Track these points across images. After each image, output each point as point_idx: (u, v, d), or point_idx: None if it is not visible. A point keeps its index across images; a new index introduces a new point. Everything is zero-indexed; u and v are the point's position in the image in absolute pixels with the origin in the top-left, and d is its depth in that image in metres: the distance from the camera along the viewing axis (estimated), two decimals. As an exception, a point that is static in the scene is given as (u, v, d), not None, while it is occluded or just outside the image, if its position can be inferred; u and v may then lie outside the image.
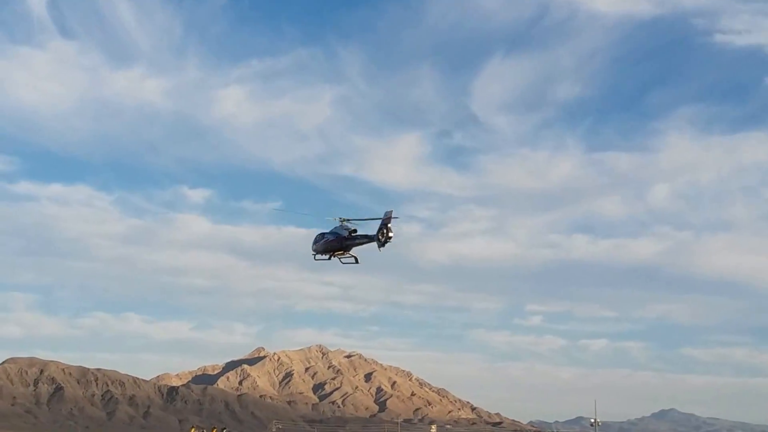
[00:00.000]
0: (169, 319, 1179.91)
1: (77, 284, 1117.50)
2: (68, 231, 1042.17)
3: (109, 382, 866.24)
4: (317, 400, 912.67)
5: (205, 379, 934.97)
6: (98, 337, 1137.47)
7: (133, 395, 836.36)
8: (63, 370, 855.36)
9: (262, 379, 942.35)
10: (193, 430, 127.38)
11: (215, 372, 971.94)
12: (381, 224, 51.13)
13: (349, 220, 51.64)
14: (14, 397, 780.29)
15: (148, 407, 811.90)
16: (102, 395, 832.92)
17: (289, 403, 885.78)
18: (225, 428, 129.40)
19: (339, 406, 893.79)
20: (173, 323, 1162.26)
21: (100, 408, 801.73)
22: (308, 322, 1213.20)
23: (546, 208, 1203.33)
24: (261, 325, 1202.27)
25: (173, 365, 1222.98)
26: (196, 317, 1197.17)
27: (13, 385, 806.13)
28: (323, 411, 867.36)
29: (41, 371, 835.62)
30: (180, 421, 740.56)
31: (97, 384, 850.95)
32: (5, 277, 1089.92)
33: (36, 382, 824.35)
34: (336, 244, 53.46)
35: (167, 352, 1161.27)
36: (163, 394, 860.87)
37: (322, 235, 54.61)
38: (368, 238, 52.77)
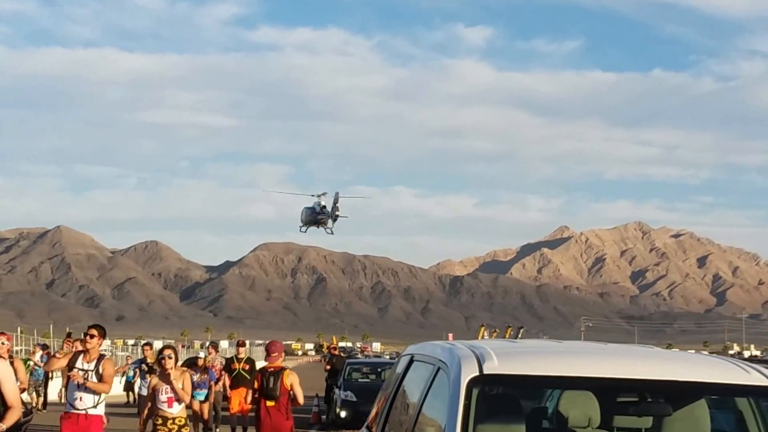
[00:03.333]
0: (447, 194, 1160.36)
1: (333, 152, 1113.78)
2: (319, 86, 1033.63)
3: (380, 272, 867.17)
4: (636, 291, 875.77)
5: (495, 266, 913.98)
6: (363, 216, 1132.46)
7: (409, 287, 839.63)
8: (324, 257, 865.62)
9: (566, 266, 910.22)
10: (482, 329, 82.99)
11: (507, 258, 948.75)
12: (333, 202, 75.70)
13: (324, 194, 76.73)
14: (269, 291, 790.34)
15: (427, 302, 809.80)
16: (372, 287, 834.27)
17: (600, 295, 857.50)
18: (522, 327, 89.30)
19: (664, 299, 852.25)
20: (453, 198, 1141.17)
21: (369, 302, 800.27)
22: (622, 193, 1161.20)
23: None
24: (562, 199, 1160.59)
25: (456, 250, 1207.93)
26: (481, 190, 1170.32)
27: (267, 276, 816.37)
28: (644, 305, 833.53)
29: (299, 259, 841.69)
30: (466, 318, 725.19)
31: (365, 274, 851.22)
32: (249, 145, 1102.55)
33: (294, 273, 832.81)
34: (312, 217, 77.36)
35: (448, 234, 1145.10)
36: (444, 286, 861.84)
37: (306, 208, 77.74)
38: (327, 215, 76.52)
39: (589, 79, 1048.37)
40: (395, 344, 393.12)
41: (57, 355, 16.75)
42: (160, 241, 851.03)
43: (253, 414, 26.52)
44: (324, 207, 79.75)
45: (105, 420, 14.68)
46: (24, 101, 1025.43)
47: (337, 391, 32.25)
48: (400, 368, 8.47)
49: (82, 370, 14.19)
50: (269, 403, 16.18)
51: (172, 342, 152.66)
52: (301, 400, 16.40)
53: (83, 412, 14.19)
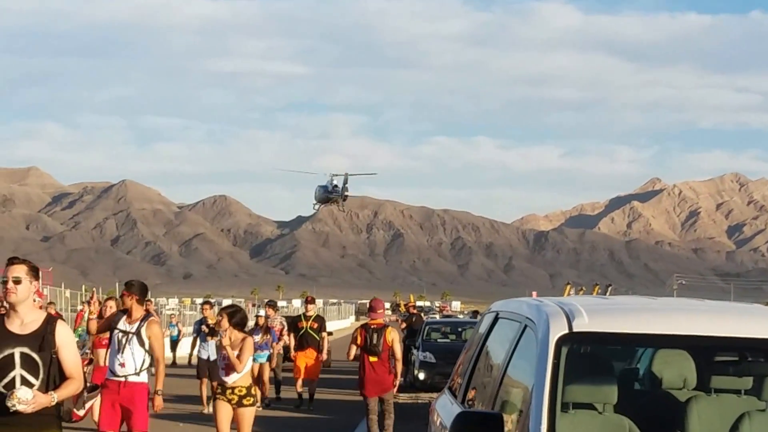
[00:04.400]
0: (531, 144, 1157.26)
1: (412, 101, 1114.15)
2: (396, 32, 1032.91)
3: (460, 227, 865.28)
4: (733, 247, 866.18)
5: (582, 221, 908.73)
6: (442, 168, 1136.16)
7: (491, 243, 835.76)
8: (402, 212, 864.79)
9: (657, 220, 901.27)
10: (568, 287, 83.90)
11: (595, 212, 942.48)
12: (343, 182, 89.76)
13: (335, 175, 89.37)
14: (344, 247, 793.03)
15: (510, 258, 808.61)
16: (451, 243, 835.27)
17: (694, 251, 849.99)
18: (610, 285, 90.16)
19: (763, 255, 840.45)
20: (537, 149, 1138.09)
21: (449, 259, 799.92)
22: (718, 142, 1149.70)
23: None
24: (654, 149, 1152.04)
25: (540, 204, 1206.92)
26: (567, 140, 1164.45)
27: (341, 232, 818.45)
28: (741, 261, 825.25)
29: (375, 214, 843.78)
30: (551, 276, 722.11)
31: (444, 229, 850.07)
32: (323, 94, 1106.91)
33: (369, 228, 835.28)
34: (324, 195, 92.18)
35: (532, 187, 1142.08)
36: (528, 242, 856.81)
37: (319, 187, 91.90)
38: (338, 194, 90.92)
39: (683, 22, 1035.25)
40: (476, 303, 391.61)
41: (90, 317, 15.30)
42: (229, 196, 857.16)
43: (312, 378, 25.10)
44: (336, 186, 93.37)
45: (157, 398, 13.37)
46: (87, 49, 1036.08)
47: (415, 351, 32.22)
48: (483, 327, 8.38)
49: (123, 331, 13.13)
50: (372, 359, 17.71)
51: (241, 301, 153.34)
52: (399, 356, 18.25)
53: (123, 379, 13.09)
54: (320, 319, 25.36)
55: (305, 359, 24.59)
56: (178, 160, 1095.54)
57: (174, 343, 45.90)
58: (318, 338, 24.72)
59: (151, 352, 13.32)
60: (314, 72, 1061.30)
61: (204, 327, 24.51)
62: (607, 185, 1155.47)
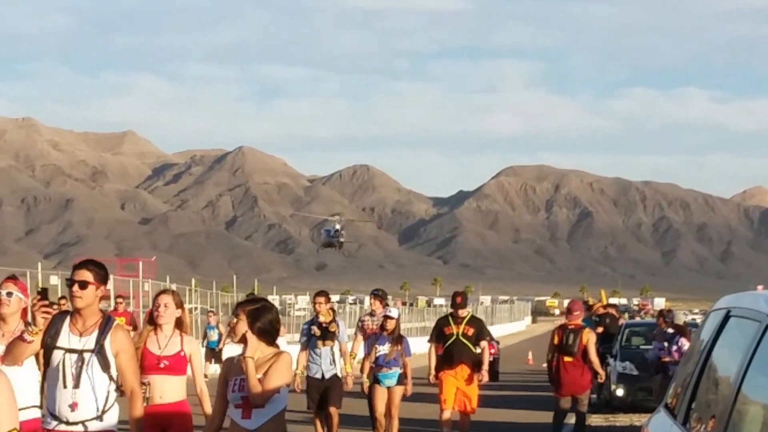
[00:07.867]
0: (755, 97, 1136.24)
1: (601, 43, 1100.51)
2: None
3: (665, 203, 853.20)
4: None
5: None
6: (641, 129, 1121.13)
7: (704, 224, 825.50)
8: (590, 184, 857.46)
9: None
10: None
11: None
12: (340, 228, 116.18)
13: (339, 221, 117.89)
14: (517, 230, 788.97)
15: (729, 243, 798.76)
16: (654, 225, 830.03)
17: None
18: None
19: None
20: (764, 103, 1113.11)
21: (650, 245, 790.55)
22: None
23: None
24: None
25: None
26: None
27: (514, 211, 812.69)
28: None
29: (556, 187, 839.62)
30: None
31: (644, 206, 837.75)
32: (486, 36, 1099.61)
33: (549, 206, 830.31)
34: (327, 240, 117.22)
35: (757, 152, 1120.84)
36: (752, 222, 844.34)
37: (324, 230, 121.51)
38: (337, 239, 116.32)
39: None
40: (684, 300, 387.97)
41: (25, 335, 9.64)
42: (372, 166, 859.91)
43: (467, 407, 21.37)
44: (338, 230, 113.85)
45: None
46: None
47: (611, 362, 31.89)
48: (708, 329, 7.89)
49: (71, 350, 9.56)
50: (567, 359, 21.12)
51: (390, 298, 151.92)
52: (595, 358, 21.46)
53: (79, 428, 9.56)
54: (477, 323, 21.50)
55: (454, 381, 20.75)
56: (307, 121, 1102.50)
57: (212, 353, 42.48)
58: (474, 350, 20.91)
59: (119, 380, 9.92)
60: (476, 7, 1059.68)
61: (315, 329, 20.41)
62: None
